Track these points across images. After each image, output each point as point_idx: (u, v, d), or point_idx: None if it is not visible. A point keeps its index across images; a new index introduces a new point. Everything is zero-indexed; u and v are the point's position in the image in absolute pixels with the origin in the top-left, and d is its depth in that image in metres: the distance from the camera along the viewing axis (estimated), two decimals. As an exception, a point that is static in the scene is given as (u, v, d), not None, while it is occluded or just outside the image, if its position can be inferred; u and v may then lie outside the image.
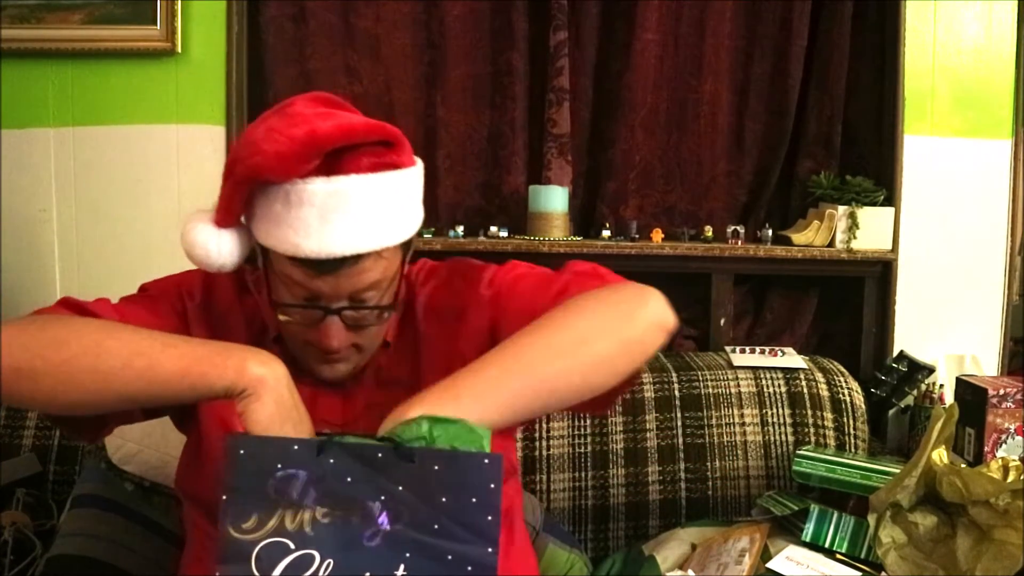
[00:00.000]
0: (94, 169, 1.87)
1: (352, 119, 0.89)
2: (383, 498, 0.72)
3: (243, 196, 0.90)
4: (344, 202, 0.87)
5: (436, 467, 0.71)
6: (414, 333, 1.04)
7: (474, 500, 0.71)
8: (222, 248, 0.93)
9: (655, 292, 0.91)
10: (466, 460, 0.71)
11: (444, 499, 0.71)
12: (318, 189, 0.87)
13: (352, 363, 0.99)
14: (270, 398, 0.82)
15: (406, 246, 0.98)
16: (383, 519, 0.71)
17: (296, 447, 0.74)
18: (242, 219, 0.93)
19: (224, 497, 0.74)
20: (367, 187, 0.89)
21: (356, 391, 1.02)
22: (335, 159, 0.87)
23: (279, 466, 0.73)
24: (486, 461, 0.71)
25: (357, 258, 0.89)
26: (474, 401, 0.77)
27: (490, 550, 0.70)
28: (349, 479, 0.72)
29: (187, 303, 1.04)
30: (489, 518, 0.70)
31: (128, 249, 1.87)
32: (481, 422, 0.75)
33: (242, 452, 0.75)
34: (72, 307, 0.95)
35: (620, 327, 0.86)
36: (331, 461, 0.73)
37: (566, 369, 0.83)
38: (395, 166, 0.92)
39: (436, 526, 0.71)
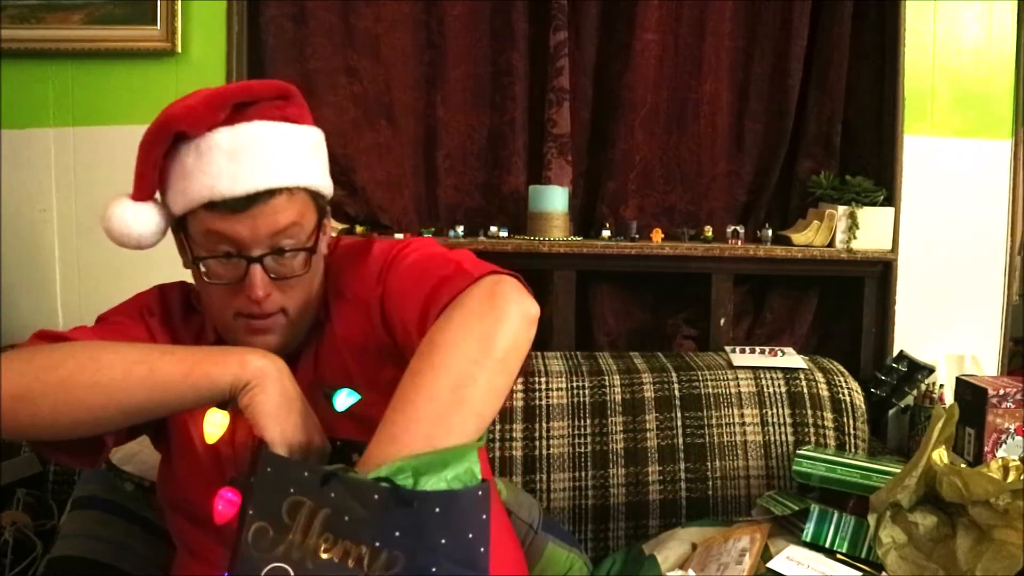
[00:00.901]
0: (94, 169, 1.87)
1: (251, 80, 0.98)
2: (377, 544, 0.70)
3: (155, 160, 0.94)
4: (250, 143, 0.93)
5: (437, 509, 0.69)
6: (328, 311, 1.05)
7: (471, 535, 0.69)
8: (139, 219, 0.96)
9: (511, 285, 0.88)
10: (464, 497, 0.70)
11: (444, 541, 0.69)
12: (225, 136, 0.93)
13: (283, 336, 0.99)
14: (275, 389, 0.82)
15: (321, 209, 1.01)
16: (377, 566, 0.69)
17: (306, 474, 0.74)
18: (157, 196, 0.97)
19: (250, 512, 0.74)
20: (270, 132, 0.95)
21: (296, 373, 1.01)
22: (239, 113, 0.94)
23: (292, 491, 0.73)
24: (479, 493, 0.70)
25: (270, 194, 0.93)
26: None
27: None
28: (347, 518, 0.71)
29: (149, 320, 1.04)
30: (482, 549, 0.69)
31: (127, 249, 1.87)
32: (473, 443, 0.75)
33: (269, 470, 0.75)
34: (49, 338, 0.94)
35: (488, 350, 0.82)
36: (332, 495, 0.72)
37: (459, 421, 0.78)
38: (298, 119, 0.98)
39: (434, 569, 0.69)
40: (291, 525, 0.72)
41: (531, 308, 0.87)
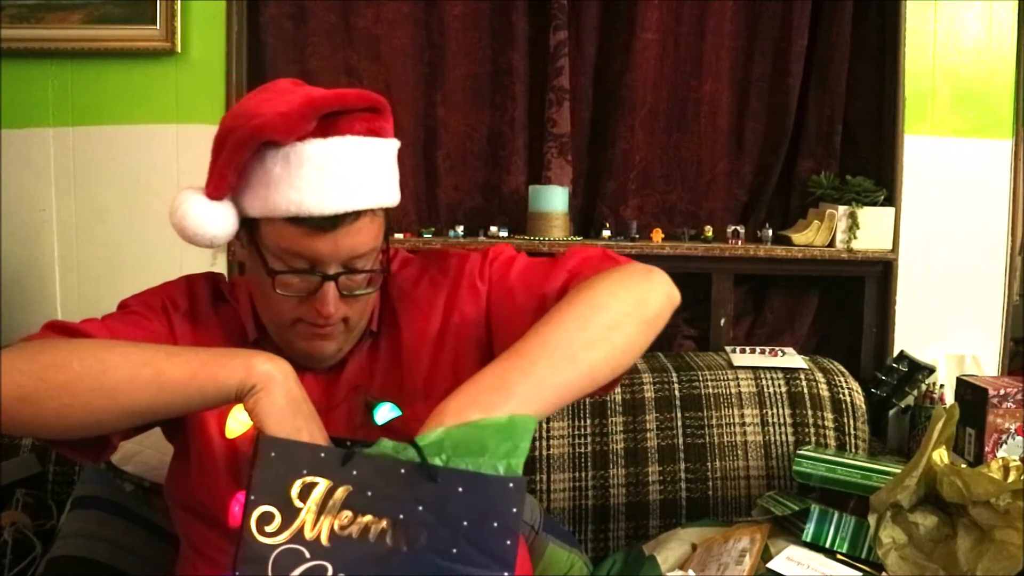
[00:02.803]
0: (94, 169, 1.87)
1: (341, 88, 0.95)
2: (401, 517, 0.70)
3: (240, 163, 0.90)
4: (341, 160, 0.91)
5: (460, 489, 0.69)
6: (393, 320, 1.06)
7: (496, 525, 0.69)
8: (215, 220, 0.93)
9: (660, 271, 0.94)
10: (491, 483, 0.70)
11: (465, 522, 0.69)
12: (316, 148, 0.90)
13: (339, 342, 1.00)
14: (280, 393, 0.82)
15: (387, 224, 1.01)
16: (400, 540, 0.70)
17: (323, 455, 0.74)
18: (227, 199, 0.94)
19: (252, 497, 0.73)
20: (361, 148, 0.92)
21: (338, 377, 1.03)
22: (329, 123, 0.91)
23: (304, 472, 0.73)
24: (511, 485, 0.70)
25: (356, 215, 0.92)
26: (525, 401, 0.76)
27: (506, 575, 0.69)
28: (370, 493, 0.71)
29: (172, 314, 1.04)
30: (508, 543, 0.69)
31: (128, 249, 1.87)
32: (531, 416, 0.77)
33: (272, 455, 0.75)
34: (60, 330, 0.94)
35: (640, 309, 0.88)
36: (354, 472, 0.72)
37: (602, 357, 0.83)
38: (383, 133, 0.96)
39: (455, 550, 0.69)
40: (303, 507, 0.72)
41: (676, 294, 0.94)
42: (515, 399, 0.75)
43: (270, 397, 0.81)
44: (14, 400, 0.81)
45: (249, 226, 0.95)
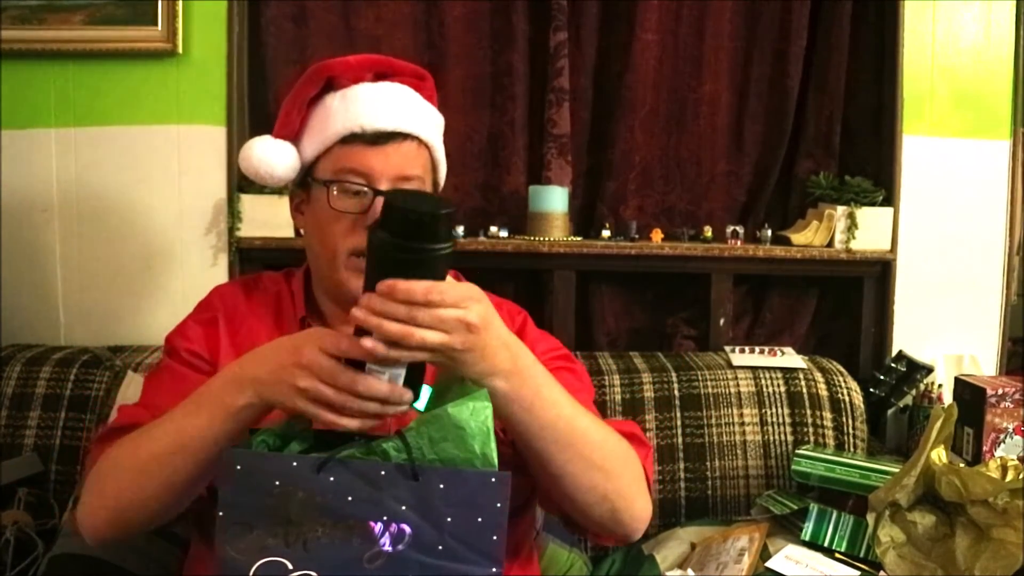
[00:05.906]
0: (95, 170, 1.87)
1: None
2: (385, 518, 0.70)
3: (304, 100, 1.03)
4: (391, 96, 1.05)
5: (441, 485, 0.70)
6: None
7: (480, 520, 0.69)
8: (278, 154, 1.04)
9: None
10: (473, 479, 0.70)
11: (449, 518, 0.70)
12: (368, 87, 1.04)
13: None
14: (254, 365, 0.82)
15: (435, 181, 1.10)
16: (385, 540, 0.70)
17: (295, 464, 0.73)
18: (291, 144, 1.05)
19: (220, 513, 0.73)
20: (409, 93, 1.07)
21: None
22: (381, 78, 1.06)
23: (277, 483, 0.72)
24: (493, 480, 0.70)
25: (404, 137, 1.03)
26: (537, 395, 0.85)
27: (494, 570, 0.69)
28: (350, 498, 0.71)
29: (210, 329, 1.07)
30: (495, 537, 0.69)
31: (129, 250, 1.87)
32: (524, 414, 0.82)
33: (239, 468, 0.73)
34: (109, 438, 0.99)
35: (633, 504, 0.95)
36: (331, 479, 0.71)
37: (583, 465, 0.88)
38: (427, 99, 1.09)
39: (440, 547, 0.70)
40: (277, 518, 0.72)
41: (646, 516, 0.98)
42: (552, 392, 0.86)
43: (271, 391, 0.80)
44: (112, 530, 0.94)
45: (307, 174, 1.05)
